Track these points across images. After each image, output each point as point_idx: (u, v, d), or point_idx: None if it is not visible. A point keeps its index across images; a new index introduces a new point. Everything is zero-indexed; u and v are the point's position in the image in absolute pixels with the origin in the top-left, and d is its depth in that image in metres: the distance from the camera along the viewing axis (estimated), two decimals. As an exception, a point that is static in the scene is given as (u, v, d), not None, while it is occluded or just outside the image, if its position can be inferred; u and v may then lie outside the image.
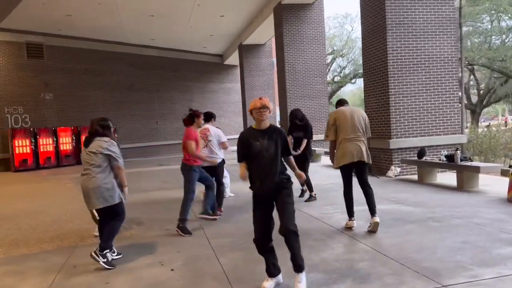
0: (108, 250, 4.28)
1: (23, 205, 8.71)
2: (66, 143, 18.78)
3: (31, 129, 18.07)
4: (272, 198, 3.53)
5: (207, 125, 6.80)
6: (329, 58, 41.25)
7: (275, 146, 3.55)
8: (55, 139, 18.46)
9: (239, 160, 3.65)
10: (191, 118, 5.79)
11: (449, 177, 8.73)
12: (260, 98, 3.65)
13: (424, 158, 8.86)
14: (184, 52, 24.77)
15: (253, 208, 3.56)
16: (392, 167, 9.55)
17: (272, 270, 3.59)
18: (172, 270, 4.13)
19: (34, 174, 16.26)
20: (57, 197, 9.71)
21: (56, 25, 18.38)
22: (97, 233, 5.53)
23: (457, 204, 6.31)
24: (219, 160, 6.54)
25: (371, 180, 8.99)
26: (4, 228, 6.46)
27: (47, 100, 19.43)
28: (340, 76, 38.72)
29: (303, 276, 3.44)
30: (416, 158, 9.12)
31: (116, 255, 4.51)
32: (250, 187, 3.61)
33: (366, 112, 10.60)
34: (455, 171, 8.19)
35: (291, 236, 3.38)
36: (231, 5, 17.23)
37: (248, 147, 3.55)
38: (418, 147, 9.38)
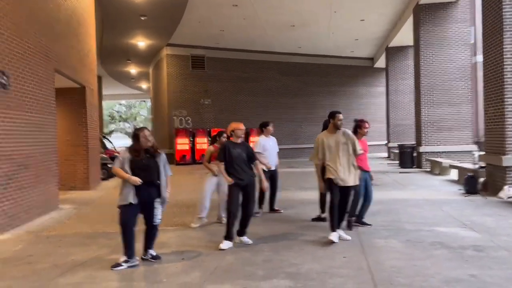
0: (124, 257, 4.63)
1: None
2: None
3: (191, 129, 21.19)
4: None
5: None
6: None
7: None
8: (209, 138, 21.15)
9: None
10: (355, 129, 6.28)
11: None
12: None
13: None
14: (331, 57, 25.16)
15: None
16: (505, 187, 8.37)
17: (232, 234, 5.36)
18: (182, 259, 4.92)
19: (189, 167, 19.02)
20: (187, 187, 11.31)
21: (214, 40, 21.06)
22: (194, 225, 6.63)
23: (534, 236, 5.43)
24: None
25: (476, 199, 8.23)
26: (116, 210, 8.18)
27: (206, 105, 22.41)
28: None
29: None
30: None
31: (151, 258, 4.81)
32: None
33: (485, 124, 9.52)
34: None
35: None
36: (368, 9, 17.00)
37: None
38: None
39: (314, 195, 8.92)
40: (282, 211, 7.63)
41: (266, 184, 5.90)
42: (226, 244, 5.26)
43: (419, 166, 15.51)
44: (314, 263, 4.60)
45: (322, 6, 16.40)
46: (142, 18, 16.38)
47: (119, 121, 55.48)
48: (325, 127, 6.21)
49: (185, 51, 21.84)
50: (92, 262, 4.84)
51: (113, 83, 31.46)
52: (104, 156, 14.82)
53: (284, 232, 6.11)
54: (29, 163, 7.36)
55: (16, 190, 6.86)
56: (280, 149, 7.86)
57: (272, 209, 7.67)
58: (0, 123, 6.39)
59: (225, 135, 6.87)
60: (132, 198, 4.62)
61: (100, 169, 13.56)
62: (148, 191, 4.73)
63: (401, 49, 21.09)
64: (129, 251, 4.64)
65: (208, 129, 21.53)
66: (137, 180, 4.59)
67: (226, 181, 5.49)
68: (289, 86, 24.47)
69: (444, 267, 4.32)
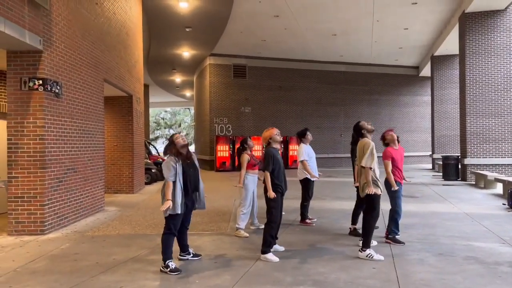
0: (168, 260, 4.75)
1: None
2: (256, 150, 21.59)
3: (231, 136, 21.60)
4: None
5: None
6: None
7: None
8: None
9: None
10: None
11: None
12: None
13: None
14: (374, 65, 24.89)
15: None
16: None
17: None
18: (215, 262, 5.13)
19: (229, 174, 19.39)
20: (225, 193, 11.61)
21: (255, 49, 21.44)
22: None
23: None
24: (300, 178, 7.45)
25: None
26: (157, 213, 8.56)
27: (246, 113, 22.79)
28: None
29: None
30: None
31: (192, 257, 5.20)
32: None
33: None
34: None
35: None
36: (412, 17, 16.76)
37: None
38: None
39: (351, 205, 8.93)
40: (314, 221, 7.65)
41: (272, 194, 5.28)
42: (273, 256, 5.16)
43: (463, 178, 15.03)
44: (342, 272, 4.67)
45: (364, 15, 16.35)
46: (187, 30, 16.99)
47: (164, 128, 57.20)
48: (356, 137, 6.25)
49: (227, 60, 22.35)
50: (132, 262, 5.15)
51: (159, 91, 32.60)
52: (149, 161, 15.42)
53: (316, 241, 6.19)
54: (78, 167, 7.88)
55: (65, 192, 7.37)
56: (319, 158, 7.91)
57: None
58: (53, 129, 6.92)
59: (250, 142, 7.08)
60: (184, 208, 4.84)
61: (144, 174, 14.13)
62: (192, 199, 5.03)
63: (447, 58, 20.59)
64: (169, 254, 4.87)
65: (248, 137, 21.81)
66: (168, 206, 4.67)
67: (270, 195, 5.21)
68: (329, 95, 24.42)
69: (474, 282, 4.27)
